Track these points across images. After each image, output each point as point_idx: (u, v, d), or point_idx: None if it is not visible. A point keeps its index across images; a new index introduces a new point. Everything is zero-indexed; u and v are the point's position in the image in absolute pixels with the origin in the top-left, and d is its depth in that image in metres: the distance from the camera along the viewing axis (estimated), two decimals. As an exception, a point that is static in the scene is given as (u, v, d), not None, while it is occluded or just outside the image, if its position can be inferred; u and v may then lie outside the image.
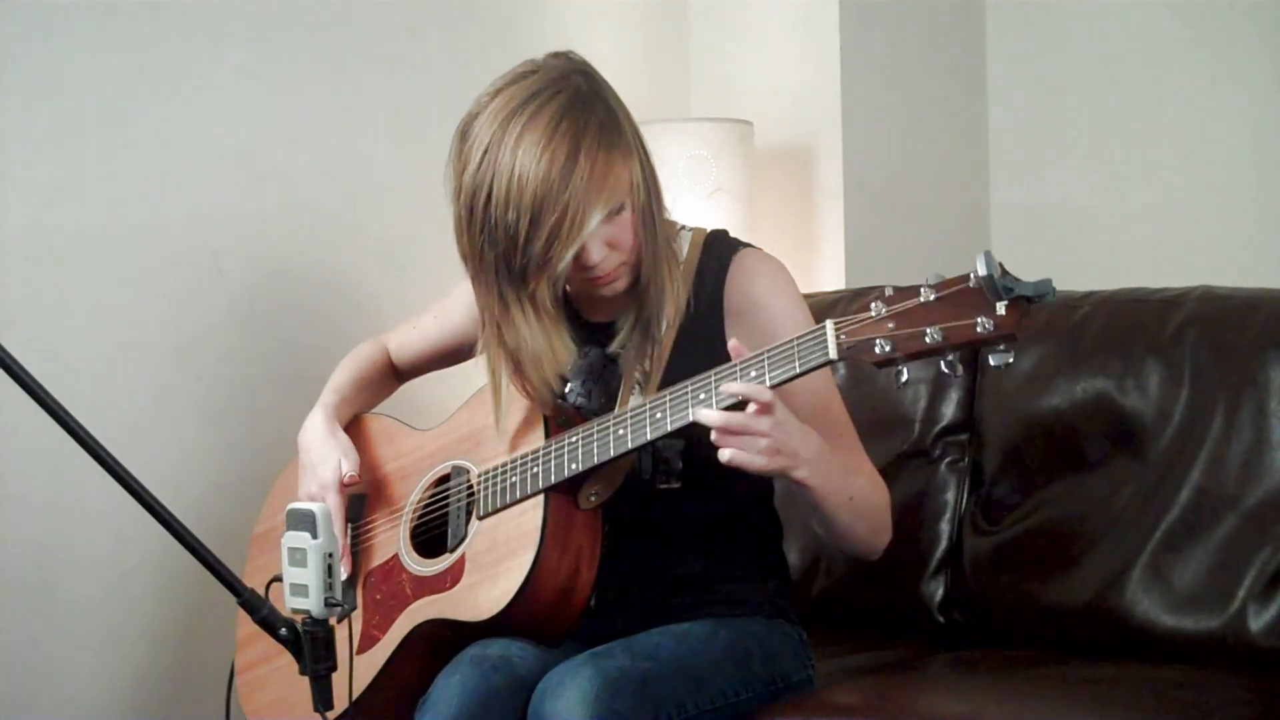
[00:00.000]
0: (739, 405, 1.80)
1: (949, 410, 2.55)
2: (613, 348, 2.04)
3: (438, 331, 2.31)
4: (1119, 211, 3.53)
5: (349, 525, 2.19)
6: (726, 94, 3.48)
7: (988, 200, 3.71)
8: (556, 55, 1.98)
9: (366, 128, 2.87)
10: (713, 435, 1.80)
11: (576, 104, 1.90)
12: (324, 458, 2.16)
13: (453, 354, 2.31)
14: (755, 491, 2.02)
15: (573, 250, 1.89)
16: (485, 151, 1.89)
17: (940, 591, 2.49)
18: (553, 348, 1.99)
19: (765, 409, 1.78)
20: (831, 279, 3.33)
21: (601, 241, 1.92)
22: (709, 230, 2.12)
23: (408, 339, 2.35)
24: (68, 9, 2.44)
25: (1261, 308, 2.34)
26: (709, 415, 1.79)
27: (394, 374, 2.38)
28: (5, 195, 2.39)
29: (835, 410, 2.02)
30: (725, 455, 1.79)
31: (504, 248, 1.90)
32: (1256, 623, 2.19)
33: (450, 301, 2.28)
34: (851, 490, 1.94)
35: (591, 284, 1.98)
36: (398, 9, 2.91)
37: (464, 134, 1.95)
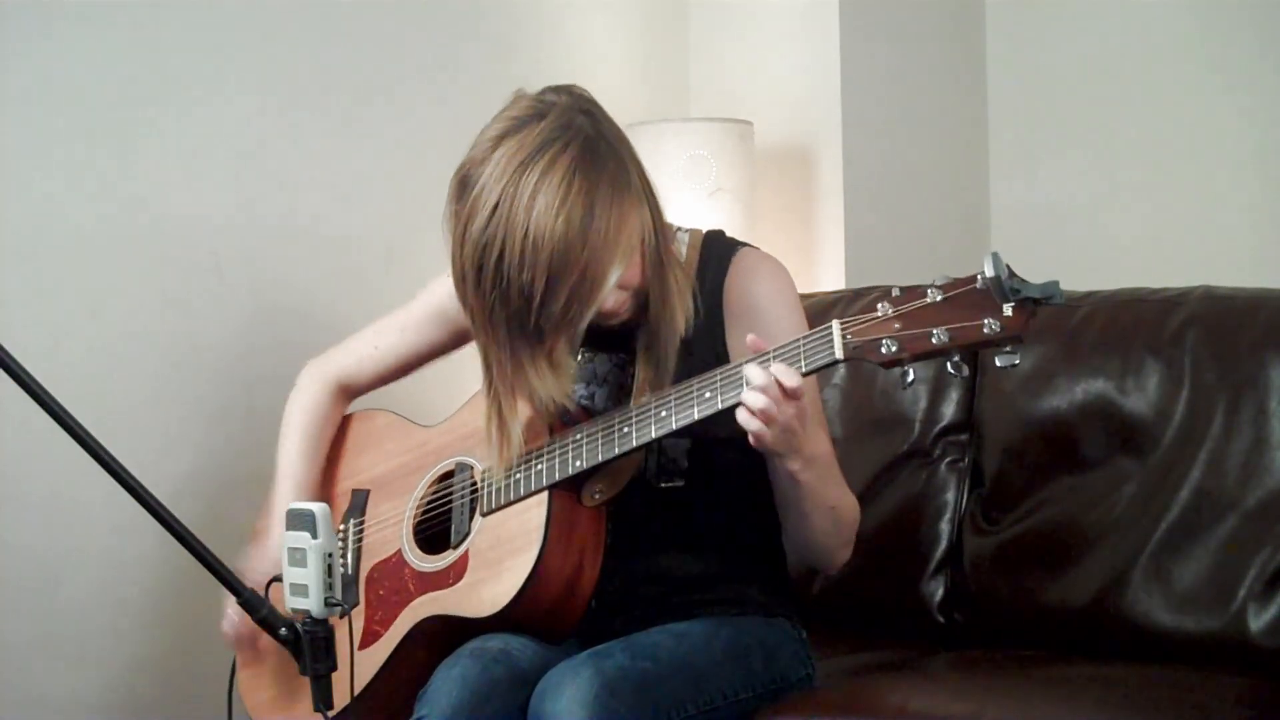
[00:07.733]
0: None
1: (949, 410, 2.55)
2: (637, 378, 2.00)
3: (410, 348, 2.23)
4: (1119, 211, 3.53)
5: (350, 522, 2.19)
6: (726, 94, 3.48)
7: (987, 200, 3.71)
8: (557, 91, 1.91)
9: (365, 130, 2.86)
10: (744, 394, 1.77)
11: (587, 156, 1.83)
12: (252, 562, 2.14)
13: (423, 364, 2.26)
14: (756, 491, 2.02)
15: (593, 309, 1.86)
16: (495, 208, 1.82)
17: (940, 591, 2.49)
18: (565, 391, 1.94)
19: (793, 395, 1.76)
20: (831, 279, 3.33)
21: (614, 287, 1.89)
22: (705, 231, 2.11)
23: (364, 362, 2.26)
24: (69, 11, 2.44)
25: (1262, 308, 2.34)
26: (755, 372, 1.76)
27: (345, 402, 2.30)
28: (6, 196, 2.39)
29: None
30: (744, 419, 1.77)
31: (517, 307, 1.84)
32: (1256, 623, 2.19)
33: (418, 311, 2.21)
34: (834, 500, 1.96)
35: (599, 317, 1.93)
36: (396, 12, 2.91)
37: (466, 182, 1.87)
